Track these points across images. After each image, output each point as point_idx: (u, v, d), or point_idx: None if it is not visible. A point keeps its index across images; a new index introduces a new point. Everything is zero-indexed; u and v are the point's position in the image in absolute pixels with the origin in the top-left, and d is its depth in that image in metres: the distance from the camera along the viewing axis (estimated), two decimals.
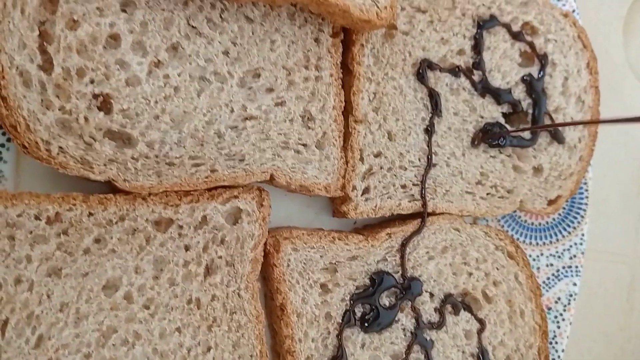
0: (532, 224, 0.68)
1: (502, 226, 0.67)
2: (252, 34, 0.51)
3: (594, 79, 0.65)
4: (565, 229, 0.69)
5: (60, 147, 0.44)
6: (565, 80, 0.64)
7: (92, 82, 0.45)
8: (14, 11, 0.42)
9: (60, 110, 0.44)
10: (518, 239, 0.68)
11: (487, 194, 0.61)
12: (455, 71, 0.60)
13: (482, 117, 0.61)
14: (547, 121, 0.63)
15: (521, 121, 0.63)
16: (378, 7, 0.51)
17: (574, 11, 0.68)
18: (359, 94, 0.56)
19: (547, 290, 0.68)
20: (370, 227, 0.60)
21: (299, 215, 0.58)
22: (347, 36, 0.56)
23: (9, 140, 0.46)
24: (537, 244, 0.68)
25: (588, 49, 0.65)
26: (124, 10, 0.46)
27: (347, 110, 0.56)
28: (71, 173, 0.44)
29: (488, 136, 0.60)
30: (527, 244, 0.68)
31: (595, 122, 0.55)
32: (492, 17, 0.61)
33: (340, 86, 0.55)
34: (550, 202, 0.65)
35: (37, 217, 0.43)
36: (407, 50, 0.58)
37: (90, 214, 0.45)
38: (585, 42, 0.65)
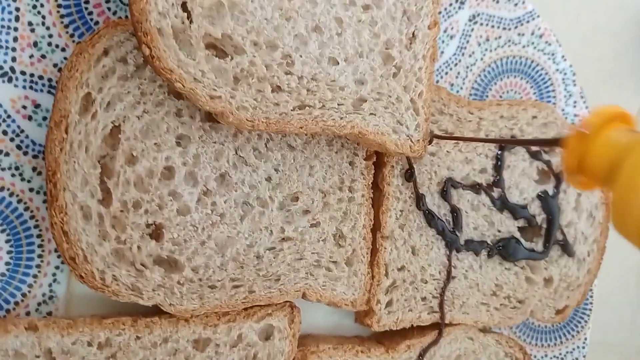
0: (539, 325, 0.72)
1: (511, 327, 0.71)
2: (294, 160, 0.54)
3: (605, 195, 0.69)
4: (569, 332, 0.72)
5: (114, 276, 0.47)
6: (578, 196, 0.68)
7: (146, 212, 0.48)
8: (79, 151, 0.45)
9: (115, 241, 0.47)
10: (525, 340, 0.71)
11: (501, 304, 0.65)
12: (476, 188, 0.63)
13: (499, 232, 0.64)
14: (559, 235, 0.67)
15: (535, 234, 0.67)
16: (412, 141, 0.55)
17: None
18: (387, 212, 0.59)
19: None
20: (389, 333, 0.63)
21: (323, 321, 0.61)
22: (379, 157, 0.59)
23: (63, 262, 0.48)
24: (542, 345, 0.72)
25: None
26: (178, 144, 0.49)
27: (375, 227, 0.59)
28: (122, 300, 0.47)
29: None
30: (532, 345, 0.71)
31: (495, 140, 0.59)
32: (513, 138, 0.65)
33: (370, 205, 0.58)
34: (558, 312, 0.68)
35: (89, 344, 0.46)
36: (433, 170, 0.61)
37: (137, 338, 0.48)
38: None
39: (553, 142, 0.40)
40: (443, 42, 0.64)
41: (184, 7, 0.45)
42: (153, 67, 0.44)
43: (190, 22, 0.45)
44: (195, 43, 0.45)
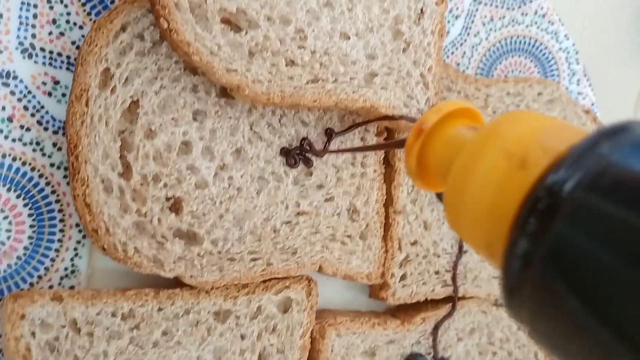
0: None
1: None
2: (307, 136, 0.55)
3: None
4: None
5: (136, 248, 0.48)
6: None
7: (165, 186, 0.49)
8: (99, 125, 0.46)
9: (136, 213, 0.48)
10: None
11: None
12: None
13: None
14: None
15: None
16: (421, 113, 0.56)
17: (592, 104, 0.73)
18: (399, 187, 0.60)
19: None
20: (403, 308, 0.64)
21: (339, 297, 0.62)
22: (390, 133, 0.60)
23: (84, 237, 0.49)
24: None
25: None
26: (195, 119, 0.50)
27: (388, 202, 0.60)
28: (144, 272, 0.48)
29: None
30: None
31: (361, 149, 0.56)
32: None
33: (382, 180, 0.59)
34: None
35: (113, 315, 0.47)
36: None
37: (160, 309, 0.48)
38: None
39: (400, 144, 0.37)
40: (449, 22, 0.66)
41: None
42: (170, 41, 0.45)
43: None
44: (211, 17, 0.46)
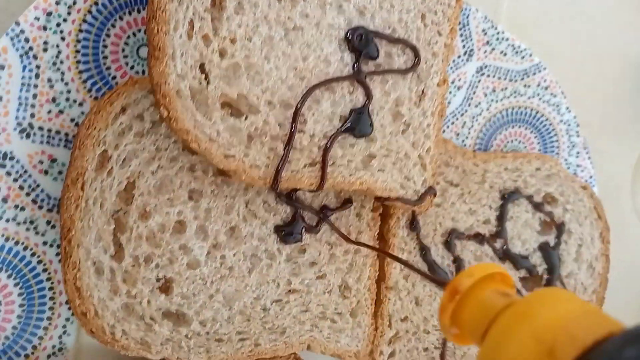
0: None
1: None
2: (302, 213, 0.55)
3: (605, 247, 0.70)
4: None
5: (123, 331, 0.47)
6: (579, 247, 0.69)
7: (157, 267, 0.49)
8: (94, 208, 0.46)
9: (126, 295, 0.47)
10: None
11: None
12: (480, 239, 0.64)
13: None
14: (559, 285, 0.68)
15: (536, 284, 0.67)
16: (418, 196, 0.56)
17: (591, 177, 0.73)
18: (392, 263, 0.60)
19: None
20: None
21: None
22: (385, 209, 0.60)
23: (73, 314, 0.49)
24: None
25: (602, 219, 0.70)
26: (191, 199, 0.50)
27: (380, 278, 0.60)
28: (131, 354, 0.47)
29: None
30: None
31: None
32: (517, 190, 0.66)
33: (375, 257, 0.59)
34: None
35: None
36: (438, 222, 0.62)
37: None
38: (600, 213, 0.69)
39: (439, 283, 0.39)
40: (450, 92, 0.65)
41: (201, 68, 0.45)
42: (170, 128, 0.45)
43: (208, 83, 0.45)
44: (212, 104, 0.46)
